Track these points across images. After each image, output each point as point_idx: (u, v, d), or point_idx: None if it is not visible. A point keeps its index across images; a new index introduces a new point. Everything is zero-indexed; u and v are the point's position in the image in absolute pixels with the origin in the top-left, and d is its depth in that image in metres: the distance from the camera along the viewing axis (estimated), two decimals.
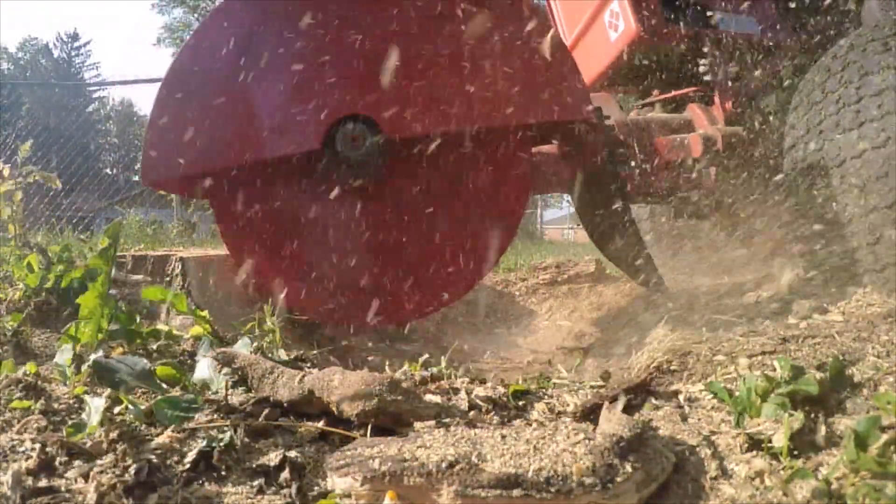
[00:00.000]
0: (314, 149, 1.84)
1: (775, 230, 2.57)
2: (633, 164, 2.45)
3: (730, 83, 2.57)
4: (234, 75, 1.83)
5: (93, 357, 1.21)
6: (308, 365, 1.47)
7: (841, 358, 1.22)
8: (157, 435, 1.02)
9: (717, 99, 2.59)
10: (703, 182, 2.50)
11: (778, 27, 2.64)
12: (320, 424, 1.11)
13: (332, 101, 1.83)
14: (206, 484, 0.90)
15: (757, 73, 2.60)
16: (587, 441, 0.88)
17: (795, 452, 0.95)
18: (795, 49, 2.56)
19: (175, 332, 1.63)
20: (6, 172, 2.20)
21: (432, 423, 1.05)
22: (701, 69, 2.61)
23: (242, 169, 1.88)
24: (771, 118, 2.54)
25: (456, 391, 1.36)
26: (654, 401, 1.22)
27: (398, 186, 1.99)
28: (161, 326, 1.64)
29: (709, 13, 2.57)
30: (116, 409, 1.07)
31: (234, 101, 1.84)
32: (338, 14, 1.86)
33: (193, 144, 1.82)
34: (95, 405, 1.02)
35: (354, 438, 1.03)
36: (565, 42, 2.90)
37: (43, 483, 0.85)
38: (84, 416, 1.03)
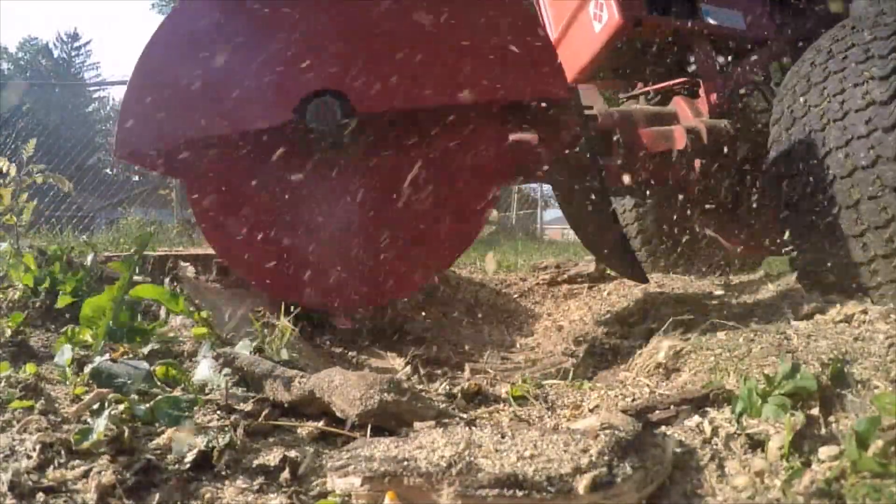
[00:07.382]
0: (286, 120, 1.83)
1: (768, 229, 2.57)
2: (615, 154, 2.44)
3: (715, 76, 2.57)
4: (207, 51, 1.83)
5: (97, 359, 1.22)
6: (308, 365, 1.47)
7: (841, 358, 1.22)
8: (157, 435, 1.02)
9: (702, 92, 2.59)
10: (688, 175, 2.50)
11: (765, 21, 2.64)
12: (320, 424, 1.11)
13: (302, 75, 1.83)
14: (206, 484, 0.90)
15: (743, 66, 2.60)
16: (587, 441, 0.88)
17: (795, 452, 0.94)
18: (783, 43, 2.57)
19: (174, 332, 1.63)
20: (12, 171, 2.17)
21: (432, 423, 1.05)
22: (686, 61, 2.61)
23: (215, 142, 1.87)
24: (756, 111, 2.54)
25: (456, 391, 1.36)
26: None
27: (361, 165, 1.97)
28: (161, 324, 1.63)
29: (695, 6, 2.57)
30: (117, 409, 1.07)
31: (207, 75, 1.83)
32: None
33: (167, 117, 1.83)
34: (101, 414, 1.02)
35: (354, 438, 1.03)
36: (551, 36, 2.88)
37: (43, 483, 0.85)
38: (89, 419, 1.03)
